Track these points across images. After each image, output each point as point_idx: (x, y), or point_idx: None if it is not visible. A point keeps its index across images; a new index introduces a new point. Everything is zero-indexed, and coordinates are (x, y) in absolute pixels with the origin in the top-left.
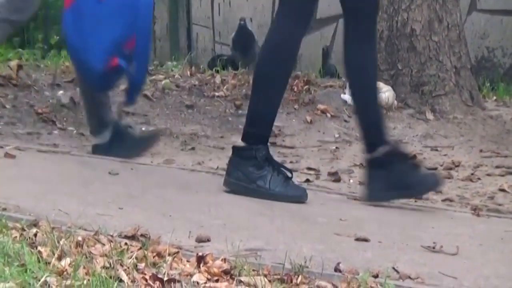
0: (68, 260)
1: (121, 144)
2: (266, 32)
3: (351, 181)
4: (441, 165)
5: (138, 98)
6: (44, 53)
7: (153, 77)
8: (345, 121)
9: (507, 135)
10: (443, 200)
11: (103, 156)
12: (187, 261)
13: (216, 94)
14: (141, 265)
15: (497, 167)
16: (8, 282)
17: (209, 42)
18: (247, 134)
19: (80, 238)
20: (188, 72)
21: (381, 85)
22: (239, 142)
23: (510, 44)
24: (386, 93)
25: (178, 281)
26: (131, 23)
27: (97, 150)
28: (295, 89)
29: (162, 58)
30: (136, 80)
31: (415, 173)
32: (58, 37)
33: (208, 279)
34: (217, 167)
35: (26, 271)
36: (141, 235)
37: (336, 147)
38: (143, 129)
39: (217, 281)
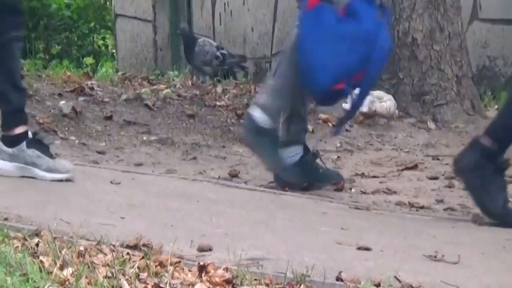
0: (70, 269)
1: (304, 169)
2: (267, 41)
3: (353, 190)
4: (443, 175)
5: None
6: (46, 63)
7: (154, 86)
8: (347, 130)
9: None
10: (445, 209)
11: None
12: (189, 270)
13: (218, 103)
14: (143, 275)
15: None
16: None
17: None
18: None
19: (82, 248)
20: (190, 82)
21: (382, 94)
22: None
23: (511, 53)
24: (387, 102)
25: None
26: (365, 60)
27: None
28: None
29: (163, 68)
30: (353, 108)
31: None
32: (59, 47)
33: None
34: (219, 177)
35: (28, 281)
36: (143, 244)
37: (338, 156)
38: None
39: None
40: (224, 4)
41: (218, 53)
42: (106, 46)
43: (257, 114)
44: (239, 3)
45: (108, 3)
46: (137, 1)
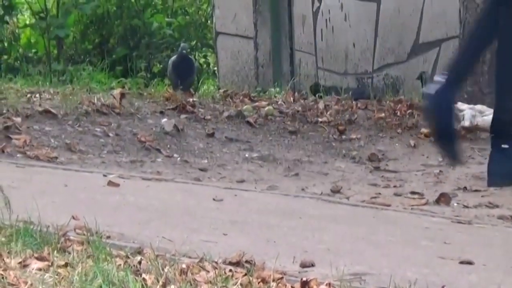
0: (172, 287)
1: None
2: (369, 57)
3: (455, 204)
4: None
5: None
6: (147, 82)
7: (256, 103)
8: None
9: None
10: None
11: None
12: (292, 286)
13: (319, 119)
14: None
15: None
16: None
17: (311, 68)
18: None
19: (184, 266)
20: (291, 98)
21: (484, 108)
22: None
23: None
24: (489, 116)
25: None
26: None
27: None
28: (398, 113)
29: (264, 84)
30: None
31: None
32: (161, 66)
33: None
34: (321, 193)
35: None
36: (246, 261)
37: (440, 171)
38: None
39: None
40: (326, 20)
41: None
42: (208, 64)
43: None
44: (341, 19)
45: (209, 21)
46: (238, 18)
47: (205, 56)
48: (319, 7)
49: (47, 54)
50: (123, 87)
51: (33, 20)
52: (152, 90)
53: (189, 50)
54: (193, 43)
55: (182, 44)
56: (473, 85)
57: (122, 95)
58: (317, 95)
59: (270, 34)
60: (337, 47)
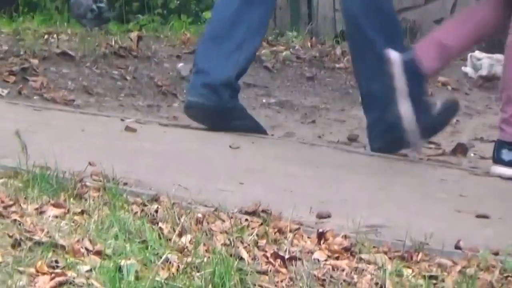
0: (188, 237)
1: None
2: None
3: (472, 155)
4: None
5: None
6: (164, 19)
7: (274, 48)
8: (466, 94)
9: None
10: None
11: None
12: (308, 237)
13: (337, 65)
14: (262, 242)
15: None
16: (130, 259)
17: (329, 10)
18: None
19: (200, 215)
20: (309, 43)
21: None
22: None
23: None
24: None
25: (299, 259)
26: None
27: None
28: None
29: (282, 27)
30: None
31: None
32: (177, 1)
33: (329, 256)
34: (338, 141)
35: (147, 248)
36: (262, 211)
37: (457, 120)
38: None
39: (337, 258)
40: None
41: (93, 6)
42: None
43: None
44: None
45: None
46: None
47: None
48: None
49: None
50: (140, 29)
51: None
52: (169, 33)
53: None
54: None
55: None
56: None
57: (140, 38)
58: (334, 40)
59: None
60: None
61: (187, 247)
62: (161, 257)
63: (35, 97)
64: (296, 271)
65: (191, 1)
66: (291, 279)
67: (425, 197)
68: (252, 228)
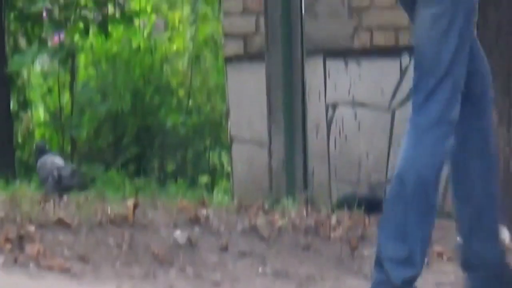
0: None
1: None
2: (382, 166)
3: None
4: None
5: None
6: (161, 181)
7: (269, 216)
8: None
9: None
10: None
11: None
12: None
13: (332, 235)
14: None
15: None
16: None
17: (325, 177)
18: None
19: None
20: (304, 211)
21: None
22: None
23: None
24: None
25: None
26: None
27: None
28: None
29: (278, 193)
30: None
31: None
32: (174, 165)
33: None
34: None
35: None
36: None
37: None
38: None
39: None
40: (339, 128)
41: (55, 173)
42: (222, 164)
43: None
44: (354, 127)
45: (223, 121)
46: (253, 124)
47: (219, 156)
48: (333, 116)
49: (60, 151)
50: (137, 194)
51: (48, 116)
52: (165, 201)
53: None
54: (208, 142)
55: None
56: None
57: (135, 206)
58: (330, 209)
59: (283, 142)
60: (350, 155)
61: None
62: None
63: (31, 265)
64: None
65: (187, 165)
66: None
67: None
68: None
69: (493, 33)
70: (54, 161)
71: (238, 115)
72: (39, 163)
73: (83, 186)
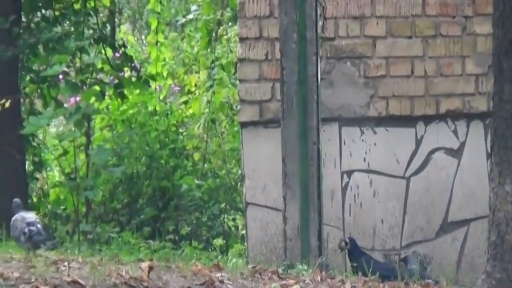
0: None
1: None
2: (397, 234)
3: None
4: None
5: None
6: (176, 244)
7: (284, 282)
8: None
9: None
10: None
11: None
12: None
13: None
14: None
15: None
16: None
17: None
18: None
19: None
20: (319, 277)
21: None
22: None
23: None
24: None
25: None
26: None
27: None
28: None
29: (292, 259)
30: None
31: None
32: (189, 228)
33: None
34: None
35: None
36: None
37: None
38: None
39: None
40: (354, 195)
41: (26, 230)
42: (236, 227)
43: None
44: (370, 194)
45: (239, 184)
46: (268, 190)
47: (233, 219)
48: (348, 183)
49: (75, 212)
50: (152, 258)
51: (62, 177)
52: (180, 263)
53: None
54: (222, 206)
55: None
56: (501, 272)
57: (150, 268)
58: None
59: (299, 208)
60: (365, 222)
61: None
62: None
63: None
64: None
65: (202, 228)
66: None
67: None
68: None
69: None
70: (25, 217)
71: (253, 180)
72: (12, 221)
73: (53, 242)
